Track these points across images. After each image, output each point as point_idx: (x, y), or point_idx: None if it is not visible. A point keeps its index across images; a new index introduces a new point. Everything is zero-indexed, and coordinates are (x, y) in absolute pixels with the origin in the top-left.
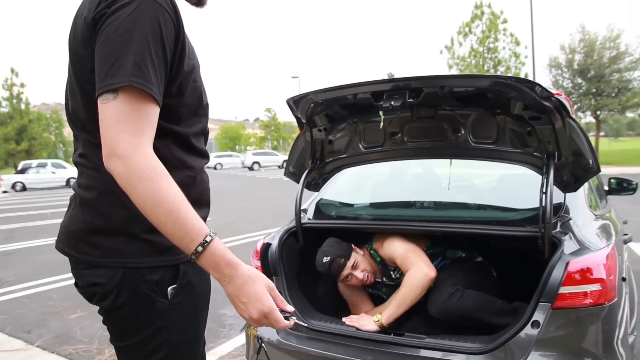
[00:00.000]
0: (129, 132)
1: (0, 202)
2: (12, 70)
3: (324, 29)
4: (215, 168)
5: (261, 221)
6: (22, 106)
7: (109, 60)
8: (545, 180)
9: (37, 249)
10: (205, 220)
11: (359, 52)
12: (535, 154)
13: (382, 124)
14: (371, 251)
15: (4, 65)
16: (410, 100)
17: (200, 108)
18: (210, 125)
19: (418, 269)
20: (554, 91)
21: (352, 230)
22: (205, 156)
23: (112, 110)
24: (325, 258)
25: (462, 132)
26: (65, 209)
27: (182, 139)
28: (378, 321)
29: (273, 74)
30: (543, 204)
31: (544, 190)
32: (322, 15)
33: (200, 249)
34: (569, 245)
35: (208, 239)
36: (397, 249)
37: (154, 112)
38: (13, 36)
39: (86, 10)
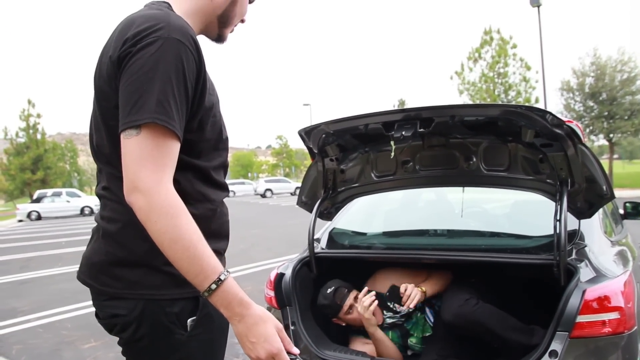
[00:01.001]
0: (151, 168)
1: (15, 231)
2: (29, 102)
3: (334, 57)
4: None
5: (274, 249)
6: (39, 136)
7: (133, 97)
8: (559, 207)
9: (52, 278)
10: (224, 251)
11: (370, 78)
12: (548, 180)
13: (393, 154)
14: None
15: (20, 96)
16: (422, 130)
17: (220, 142)
18: None
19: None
20: (565, 118)
21: (365, 260)
22: (225, 189)
23: (134, 146)
24: (329, 289)
25: (474, 159)
26: (80, 238)
27: (203, 173)
28: (424, 291)
29: (284, 101)
30: (557, 231)
31: (558, 218)
32: (333, 43)
33: (214, 286)
34: (585, 273)
35: (222, 277)
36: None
37: (175, 148)
38: (29, 65)
39: (112, 49)
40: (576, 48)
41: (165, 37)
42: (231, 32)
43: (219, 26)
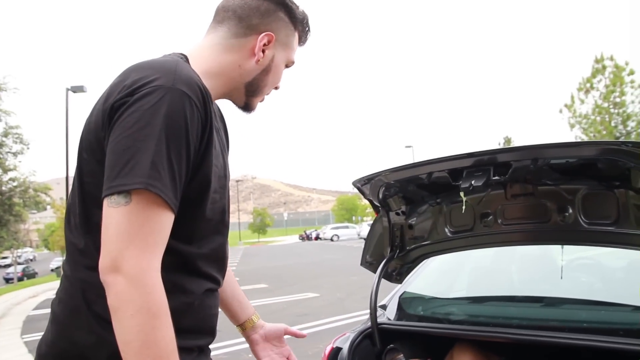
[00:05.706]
0: (139, 247)
1: None
2: None
3: (437, 96)
4: (331, 240)
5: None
6: None
7: (123, 156)
8: None
9: None
10: (206, 347)
11: (475, 117)
12: None
13: (464, 207)
14: None
15: None
16: (496, 177)
17: (220, 225)
18: (327, 197)
19: None
20: None
21: (437, 335)
22: (211, 279)
23: (121, 217)
24: (390, 345)
25: (571, 211)
26: None
27: (184, 259)
28: None
29: (387, 143)
30: None
31: None
32: (436, 83)
33: None
34: None
35: None
36: None
37: (169, 223)
38: None
39: (105, 96)
40: None
41: (168, 86)
42: (262, 101)
43: (247, 94)
